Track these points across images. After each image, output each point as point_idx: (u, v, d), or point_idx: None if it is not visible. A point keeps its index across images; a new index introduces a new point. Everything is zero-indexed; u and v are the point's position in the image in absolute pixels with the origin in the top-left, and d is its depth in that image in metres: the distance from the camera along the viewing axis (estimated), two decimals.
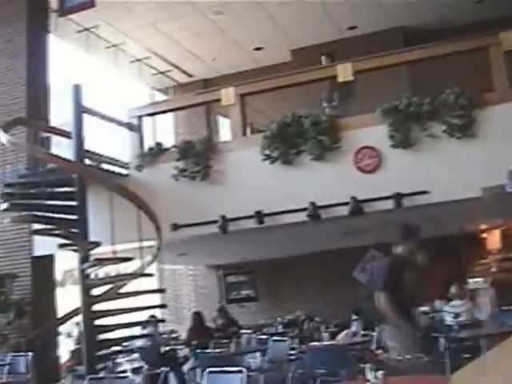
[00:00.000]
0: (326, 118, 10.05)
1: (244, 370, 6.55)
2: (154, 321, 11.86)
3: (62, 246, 9.88)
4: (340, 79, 10.32)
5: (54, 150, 11.30)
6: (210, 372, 6.74)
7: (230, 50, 16.75)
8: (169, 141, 14.58)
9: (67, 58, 15.67)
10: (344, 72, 10.22)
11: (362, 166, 9.74)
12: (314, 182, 9.94)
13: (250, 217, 10.01)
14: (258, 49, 16.97)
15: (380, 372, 4.82)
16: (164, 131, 16.79)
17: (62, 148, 11.57)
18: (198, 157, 10.53)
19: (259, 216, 9.96)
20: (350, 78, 10.26)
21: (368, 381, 4.88)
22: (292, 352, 10.82)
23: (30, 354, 10.54)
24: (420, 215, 9.82)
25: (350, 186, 9.71)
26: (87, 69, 16.04)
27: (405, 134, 9.52)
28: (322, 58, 12.26)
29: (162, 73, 17.86)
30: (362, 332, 11.33)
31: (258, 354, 11.48)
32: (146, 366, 11.38)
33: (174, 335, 14.69)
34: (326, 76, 10.72)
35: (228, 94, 10.82)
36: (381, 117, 9.72)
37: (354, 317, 12.04)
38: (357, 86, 11.10)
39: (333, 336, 11.41)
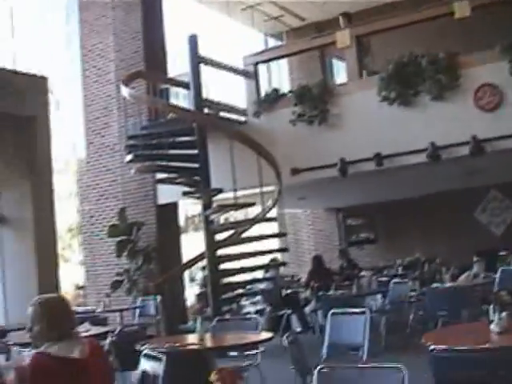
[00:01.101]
0: (443, 56, 9.82)
1: (367, 311, 6.59)
2: (275, 264, 12.07)
3: (185, 193, 10.15)
4: (457, 16, 10.03)
5: (173, 101, 11.55)
6: (334, 313, 6.80)
7: None
8: (284, 86, 14.62)
9: (180, 10, 15.86)
10: (462, 9, 9.92)
11: (482, 104, 9.50)
12: (433, 123, 9.79)
13: (369, 159, 10.00)
14: None
15: (504, 313, 4.78)
16: (279, 76, 16.83)
17: (181, 98, 11.83)
18: (315, 101, 10.53)
19: (378, 158, 9.92)
20: (467, 14, 9.96)
21: (491, 322, 4.86)
22: (412, 294, 10.81)
23: (158, 297, 10.98)
24: None
25: (471, 125, 9.51)
26: (200, 19, 16.19)
27: None
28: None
29: (274, 18, 17.78)
30: (484, 274, 11.16)
31: (378, 296, 11.53)
32: (268, 308, 11.63)
33: (295, 278, 14.89)
34: (443, 13, 10.41)
35: (343, 37, 10.73)
36: (501, 53, 9.42)
37: (476, 258, 11.85)
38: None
39: (454, 278, 11.29)
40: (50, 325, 3.62)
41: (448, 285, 10.19)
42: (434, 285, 10.41)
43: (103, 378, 3.73)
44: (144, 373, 4.93)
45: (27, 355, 3.77)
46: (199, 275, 12.97)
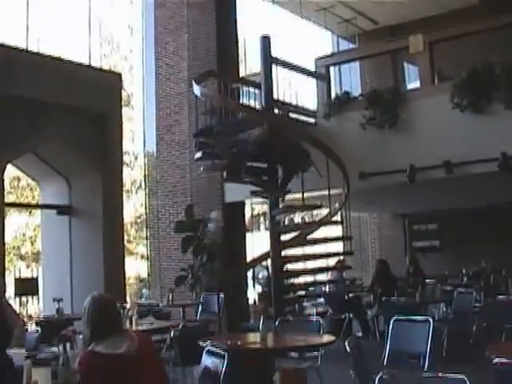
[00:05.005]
0: None
1: (430, 319, 6.53)
2: (340, 267, 12.03)
3: (253, 193, 10.18)
4: None
5: (244, 100, 11.61)
6: (396, 320, 6.75)
7: None
8: (355, 88, 14.57)
9: (254, 10, 15.93)
10: None
11: None
12: (505, 132, 9.62)
13: (439, 166, 9.90)
14: None
15: None
16: (350, 78, 16.77)
17: (251, 97, 11.88)
18: (386, 105, 10.48)
19: (448, 166, 9.82)
20: None
21: None
22: (477, 304, 10.65)
23: (221, 294, 11.06)
24: None
25: None
26: (274, 20, 16.25)
27: None
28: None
29: (347, 21, 17.74)
30: None
31: (442, 305, 11.38)
32: (330, 311, 11.59)
33: (358, 282, 14.79)
34: None
35: (416, 42, 10.64)
36: None
37: None
38: None
39: None
40: (92, 325, 3.81)
41: None
42: (500, 296, 10.23)
43: (154, 373, 3.75)
44: (206, 368, 5.01)
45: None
46: (262, 274, 12.99)
